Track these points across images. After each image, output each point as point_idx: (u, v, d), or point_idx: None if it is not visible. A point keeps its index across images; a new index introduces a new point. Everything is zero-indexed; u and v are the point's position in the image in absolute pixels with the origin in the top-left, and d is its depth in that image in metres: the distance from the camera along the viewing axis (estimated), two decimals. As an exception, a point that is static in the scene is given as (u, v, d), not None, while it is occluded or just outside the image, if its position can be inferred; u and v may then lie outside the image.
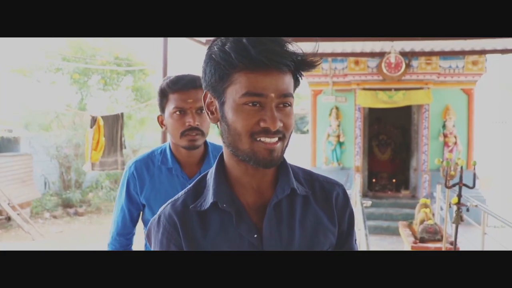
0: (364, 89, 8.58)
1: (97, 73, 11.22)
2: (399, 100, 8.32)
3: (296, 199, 1.02)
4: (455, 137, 8.55)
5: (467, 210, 3.42)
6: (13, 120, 10.60)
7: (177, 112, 1.68)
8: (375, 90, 8.47)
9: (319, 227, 1.02)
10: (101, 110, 12.33)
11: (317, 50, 0.96)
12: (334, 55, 8.22)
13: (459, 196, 3.17)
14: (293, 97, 0.95)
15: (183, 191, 1.07)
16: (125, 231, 1.88)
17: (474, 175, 3.58)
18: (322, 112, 9.07)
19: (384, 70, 7.92)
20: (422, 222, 4.53)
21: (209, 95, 0.99)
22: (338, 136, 8.91)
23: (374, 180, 10.12)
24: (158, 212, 1.06)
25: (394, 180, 9.73)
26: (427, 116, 8.60)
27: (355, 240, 1.09)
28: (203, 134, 1.72)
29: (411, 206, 8.33)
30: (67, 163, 10.32)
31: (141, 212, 1.88)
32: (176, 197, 1.06)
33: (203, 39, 6.64)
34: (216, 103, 0.98)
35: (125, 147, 4.52)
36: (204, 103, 1.01)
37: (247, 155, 0.94)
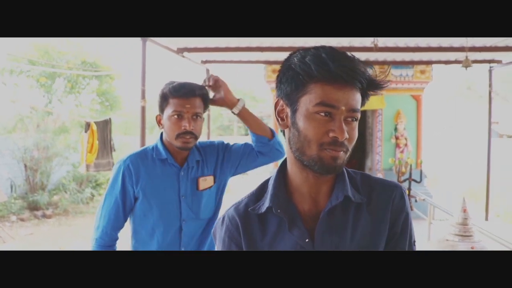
0: (324, 94, 9.23)
1: (63, 76, 11.31)
2: (355, 105, 9.04)
3: (350, 206, 1.05)
4: (405, 139, 9.36)
5: (415, 201, 4.06)
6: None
7: (175, 116, 1.87)
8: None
9: (369, 234, 1.04)
10: (64, 114, 12.41)
11: (387, 73, 1.02)
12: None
13: (409, 189, 3.79)
14: (360, 112, 1.00)
15: (247, 194, 1.13)
16: (118, 225, 1.96)
17: (421, 172, 4.25)
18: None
19: (342, 78, 8.61)
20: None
21: (281, 102, 1.05)
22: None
23: (332, 179, 10.78)
24: (223, 213, 1.13)
25: (351, 179, 10.46)
26: (380, 120, 9.37)
27: (414, 242, 1.10)
28: (196, 137, 1.92)
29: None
30: (34, 165, 10.36)
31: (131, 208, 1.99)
32: (240, 199, 1.13)
33: (175, 47, 7.05)
34: (288, 110, 1.03)
35: (114, 150, 4.88)
36: (275, 110, 1.06)
37: (313, 160, 0.99)
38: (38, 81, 10.50)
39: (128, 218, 2.02)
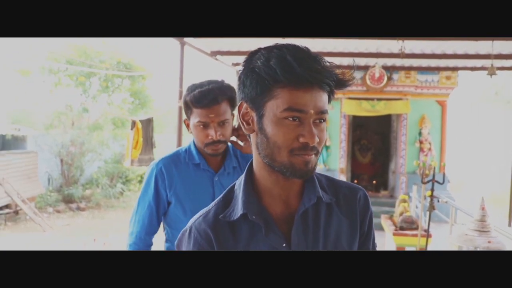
0: (350, 98, 9.48)
1: (97, 76, 11.83)
2: (380, 109, 9.26)
3: (321, 207, 1.05)
4: (429, 143, 9.54)
5: (438, 201, 4.30)
6: (20, 119, 11.15)
7: (201, 126, 1.77)
8: (359, 100, 9.39)
9: (342, 234, 1.05)
10: (98, 111, 12.94)
11: (354, 71, 1.00)
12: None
13: (432, 190, 4.04)
14: (328, 113, 0.98)
15: (213, 203, 1.09)
16: (152, 230, 1.89)
17: (444, 175, 4.48)
18: (311, 118, 9.93)
19: (368, 82, 8.84)
20: (401, 214, 5.41)
21: (245, 105, 1.01)
22: (325, 141, 9.77)
23: (356, 181, 10.99)
24: (189, 224, 1.07)
25: (374, 182, 10.66)
26: (405, 124, 9.57)
27: (373, 239, 1.13)
28: (225, 143, 1.81)
29: (389, 204, 9.26)
30: (70, 160, 10.91)
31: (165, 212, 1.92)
32: (207, 209, 1.08)
33: (208, 50, 7.41)
34: (254, 115, 0.99)
35: (155, 147, 5.28)
36: (239, 113, 1.02)
37: (285, 167, 0.96)
38: (77, 79, 11.03)
39: (162, 221, 1.97)
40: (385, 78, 8.77)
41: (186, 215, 1.82)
